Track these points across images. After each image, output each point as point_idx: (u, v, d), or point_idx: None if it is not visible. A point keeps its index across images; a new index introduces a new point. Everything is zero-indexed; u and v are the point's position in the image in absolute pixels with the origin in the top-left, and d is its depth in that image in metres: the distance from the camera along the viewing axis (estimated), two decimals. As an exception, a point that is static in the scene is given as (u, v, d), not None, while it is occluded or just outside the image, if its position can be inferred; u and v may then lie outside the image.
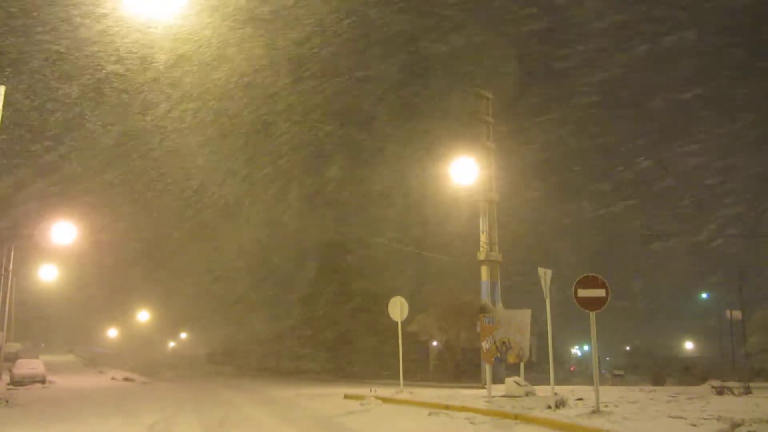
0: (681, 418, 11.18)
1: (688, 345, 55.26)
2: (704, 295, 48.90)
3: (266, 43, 24.82)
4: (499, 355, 16.47)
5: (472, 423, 12.47)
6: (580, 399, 14.47)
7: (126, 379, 33.95)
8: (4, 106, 14.60)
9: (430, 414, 14.06)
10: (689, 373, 29.11)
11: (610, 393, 16.95)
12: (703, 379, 22.43)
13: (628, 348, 56.24)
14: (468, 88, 26.66)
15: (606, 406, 12.90)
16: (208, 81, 26.91)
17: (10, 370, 30.17)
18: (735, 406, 13.04)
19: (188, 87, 26.62)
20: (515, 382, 16.20)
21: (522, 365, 16.89)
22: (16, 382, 27.93)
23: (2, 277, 33.18)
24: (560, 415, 12.03)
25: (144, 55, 22.43)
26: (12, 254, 34.24)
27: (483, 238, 23.33)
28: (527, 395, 15.60)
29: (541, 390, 16.09)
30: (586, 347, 54.67)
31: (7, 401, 18.90)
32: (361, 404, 16.78)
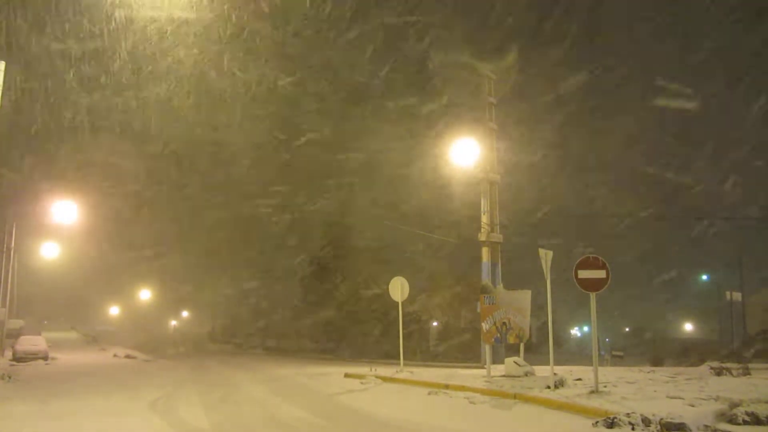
0: (679, 398, 11.21)
1: (688, 326, 55.42)
2: (704, 277, 48.85)
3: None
4: (498, 335, 16.52)
5: (471, 402, 12.53)
6: (579, 379, 14.51)
7: (128, 357, 34.21)
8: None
9: (429, 393, 14.13)
10: (688, 354, 29.25)
11: (609, 373, 17.01)
12: (701, 360, 22.51)
13: (627, 329, 56.48)
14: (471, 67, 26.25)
15: (605, 386, 12.94)
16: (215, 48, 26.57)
17: (12, 347, 30.42)
18: (733, 386, 13.05)
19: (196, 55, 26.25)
20: (515, 362, 16.27)
21: (521, 346, 16.96)
22: (19, 359, 28.16)
23: (4, 254, 33.26)
24: (559, 395, 12.08)
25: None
26: (14, 231, 34.28)
27: (484, 218, 23.22)
28: (526, 375, 15.67)
29: (541, 370, 16.17)
30: (585, 328, 54.86)
31: (9, 377, 19.06)
32: (362, 383, 16.88)
